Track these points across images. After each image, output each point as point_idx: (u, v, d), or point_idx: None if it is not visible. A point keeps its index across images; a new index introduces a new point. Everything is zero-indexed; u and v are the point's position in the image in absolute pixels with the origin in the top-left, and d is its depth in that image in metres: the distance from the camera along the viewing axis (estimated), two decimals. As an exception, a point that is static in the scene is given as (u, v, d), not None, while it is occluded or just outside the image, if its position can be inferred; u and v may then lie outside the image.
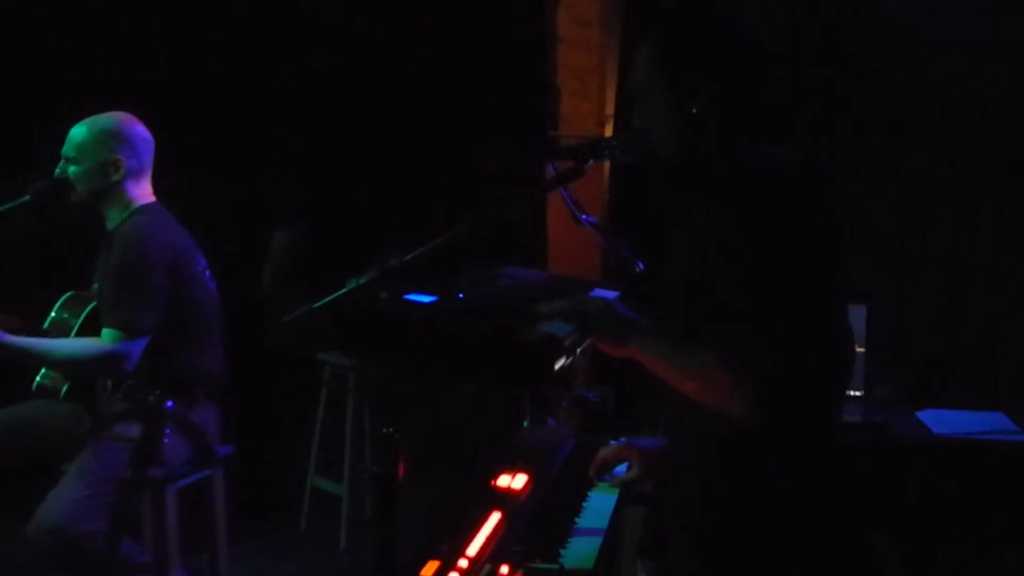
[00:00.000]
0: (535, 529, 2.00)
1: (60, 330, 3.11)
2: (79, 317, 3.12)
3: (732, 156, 1.85)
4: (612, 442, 2.42)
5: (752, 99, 1.88)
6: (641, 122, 1.92)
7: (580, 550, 1.95)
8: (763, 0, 3.81)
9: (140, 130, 3.14)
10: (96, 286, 3.18)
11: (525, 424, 2.58)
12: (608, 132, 4.15)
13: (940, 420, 3.41)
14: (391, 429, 1.78)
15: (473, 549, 1.84)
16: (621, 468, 2.28)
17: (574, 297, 1.94)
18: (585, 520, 2.11)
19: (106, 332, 2.96)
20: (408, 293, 1.85)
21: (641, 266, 2.28)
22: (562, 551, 1.93)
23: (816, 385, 1.76)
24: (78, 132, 3.08)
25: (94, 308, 3.12)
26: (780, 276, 1.70)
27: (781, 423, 1.73)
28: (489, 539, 1.89)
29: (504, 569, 1.79)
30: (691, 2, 1.95)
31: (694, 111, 1.85)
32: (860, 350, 3.50)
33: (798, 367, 1.69)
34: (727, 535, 1.81)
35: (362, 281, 1.81)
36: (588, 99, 4.20)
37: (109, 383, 3.05)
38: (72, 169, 3.06)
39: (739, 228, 1.73)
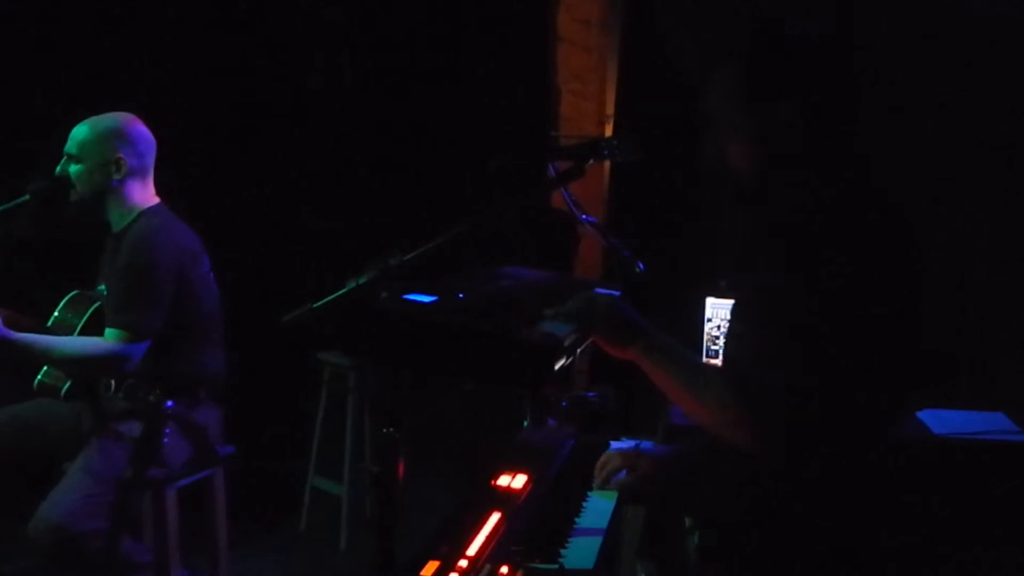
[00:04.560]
0: (535, 529, 2.00)
1: (63, 329, 3.11)
2: (82, 317, 3.12)
3: (821, 186, 1.75)
4: (612, 443, 2.42)
5: (841, 123, 1.77)
6: (716, 148, 1.83)
7: (580, 550, 1.95)
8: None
9: (142, 130, 3.14)
10: (101, 287, 3.18)
11: (525, 424, 2.58)
12: (608, 132, 4.16)
13: (940, 420, 3.41)
14: (391, 429, 1.78)
15: (473, 549, 1.84)
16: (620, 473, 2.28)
17: (579, 295, 1.93)
18: (585, 520, 2.10)
19: (110, 332, 2.96)
20: (408, 293, 1.85)
21: (641, 266, 2.29)
22: (562, 551, 1.93)
23: (842, 423, 1.70)
24: (81, 130, 3.08)
25: (98, 308, 3.12)
26: (828, 309, 1.63)
27: (795, 460, 1.70)
28: (489, 539, 1.89)
29: (504, 569, 1.79)
30: (775, 22, 1.81)
31: (780, 144, 1.76)
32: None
33: (822, 407, 1.65)
34: (735, 539, 1.81)
35: (362, 281, 1.81)
36: (588, 99, 4.21)
37: (112, 382, 3.05)
38: (73, 168, 3.06)
39: (796, 256, 1.65)
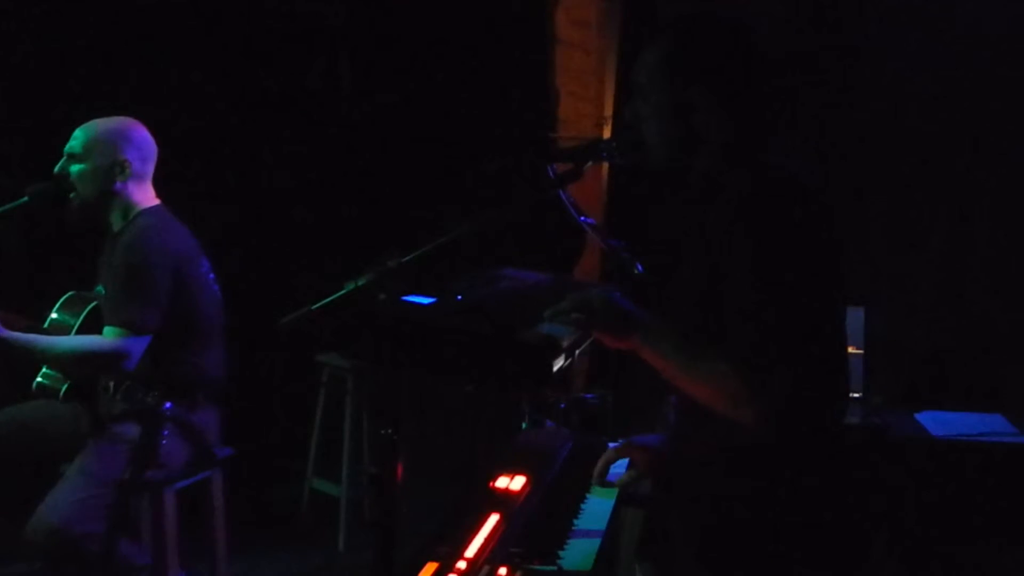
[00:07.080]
0: (533, 531, 2.00)
1: (60, 330, 3.11)
2: (79, 317, 3.12)
3: (738, 166, 1.85)
4: (611, 445, 2.42)
5: (757, 111, 1.88)
6: (634, 117, 1.94)
7: (578, 552, 1.95)
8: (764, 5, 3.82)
9: (146, 135, 3.17)
10: (100, 288, 3.17)
11: (524, 426, 2.58)
12: (606, 134, 4.15)
13: (939, 422, 3.42)
14: (389, 430, 1.78)
15: (471, 551, 1.84)
16: (619, 468, 2.28)
17: (576, 292, 1.93)
18: (583, 522, 2.11)
19: (109, 330, 2.96)
20: (407, 295, 1.85)
21: (640, 267, 2.29)
22: (560, 553, 1.93)
23: (826, 399, 1.77)
24: (86, 130, 3.08)
25: (94, 308, 3.12)
26: (795, 288, 1.71)
27: (789, 435, 1.73)
28: (487, 541, 1.89)
29: (503, 571, 1.79)
30: (707, 12, 1.94)
31: (690, 122, 1.86)
32: (859, 352, 3.51)
33: (811, 382, 1.70)
34: (732, 541, 1.81)
35: (361, 283, 1.81)
36: (586, 101, 4.21)
37: (111, 384, 3.05)
38: (76, 168, 3.06)
39: (752, 238, 1.73)
